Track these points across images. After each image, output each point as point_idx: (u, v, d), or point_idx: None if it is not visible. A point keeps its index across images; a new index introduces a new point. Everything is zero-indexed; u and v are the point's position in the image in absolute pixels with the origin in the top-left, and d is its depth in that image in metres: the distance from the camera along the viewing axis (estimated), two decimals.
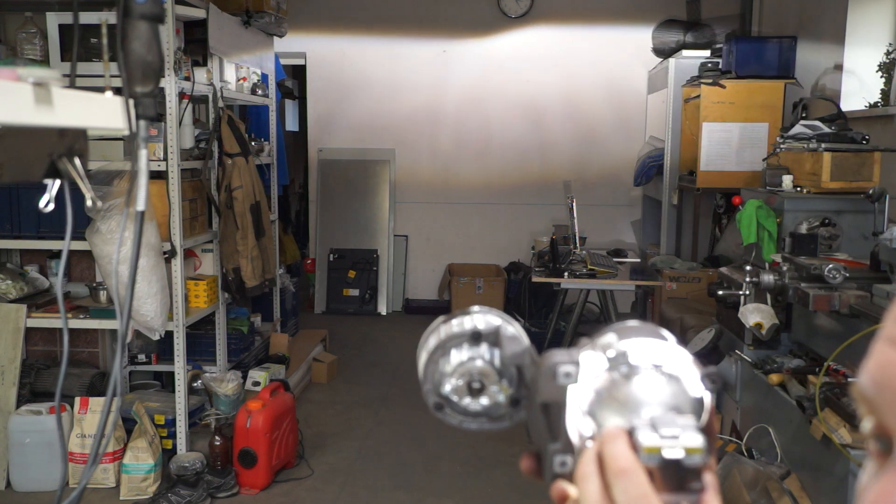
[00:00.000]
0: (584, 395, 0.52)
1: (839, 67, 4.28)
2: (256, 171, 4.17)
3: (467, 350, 0.61)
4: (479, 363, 0.60)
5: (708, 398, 0.51)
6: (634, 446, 0.47)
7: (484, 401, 0.60)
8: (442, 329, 0.62)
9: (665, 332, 0.55)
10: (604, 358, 0.52)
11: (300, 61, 6.94)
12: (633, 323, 0.55)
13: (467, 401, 0.60)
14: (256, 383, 4.08)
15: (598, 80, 6.59)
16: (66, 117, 1.02)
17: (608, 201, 6.67)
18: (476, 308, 0.63)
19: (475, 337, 0.61)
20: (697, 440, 0.46)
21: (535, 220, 6.70)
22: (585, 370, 0.52)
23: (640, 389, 0.50)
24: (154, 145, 3.30)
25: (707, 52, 5.45)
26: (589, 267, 3.84)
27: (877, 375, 0.43)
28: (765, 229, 3.30)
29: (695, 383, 0.51)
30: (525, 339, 0.61)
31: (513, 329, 0.62)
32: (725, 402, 3.37)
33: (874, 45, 4.14)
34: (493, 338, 0.61)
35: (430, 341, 0.62)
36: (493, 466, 3.67)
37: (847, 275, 2.53)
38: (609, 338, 0.53)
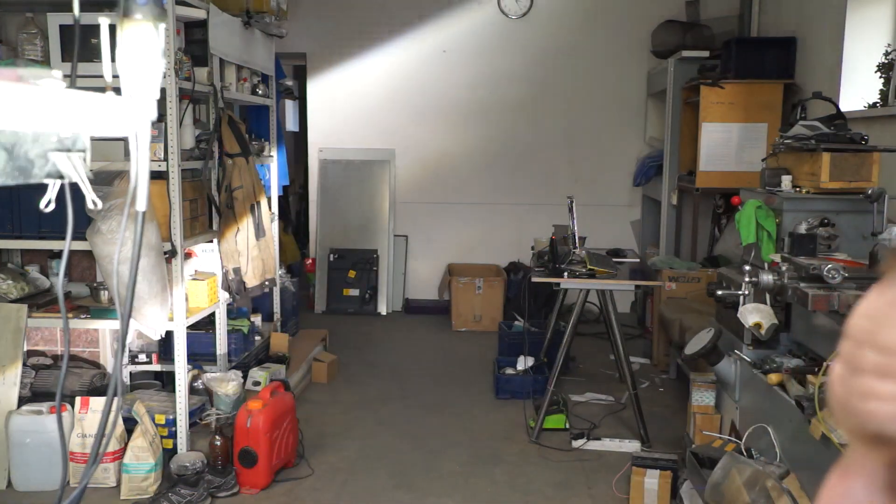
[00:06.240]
0: None
1: (838, 68, 4.28)
2: (256, 171, 4.18)
3: None
4: None
5: None
6: None
7: None
8: None
9: None
10: None
11: (300, 61, 6.94)
12: None
13: None
14: (257, 383, 4.08)
15: (598, 81, 6.60)
16: (67, 118, 1.02)
17: (608, 201, 6.68)
18: None
19: None
20: None
21: (534, 220, 6.71)
22: None
23: None
24: (155, 145, 3.30)
25: (706, 53, 5.45)
26: (588, 267, 3.84)
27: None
28: (764, 229, 3.29)
29: None
30: None
31: None
32: (725, 402, 3.37)
33: (873, 46, 4.14)
34: None
35: None
36: (494, 466, 3.67)
37: (846, 275, 2.54)
38: None
